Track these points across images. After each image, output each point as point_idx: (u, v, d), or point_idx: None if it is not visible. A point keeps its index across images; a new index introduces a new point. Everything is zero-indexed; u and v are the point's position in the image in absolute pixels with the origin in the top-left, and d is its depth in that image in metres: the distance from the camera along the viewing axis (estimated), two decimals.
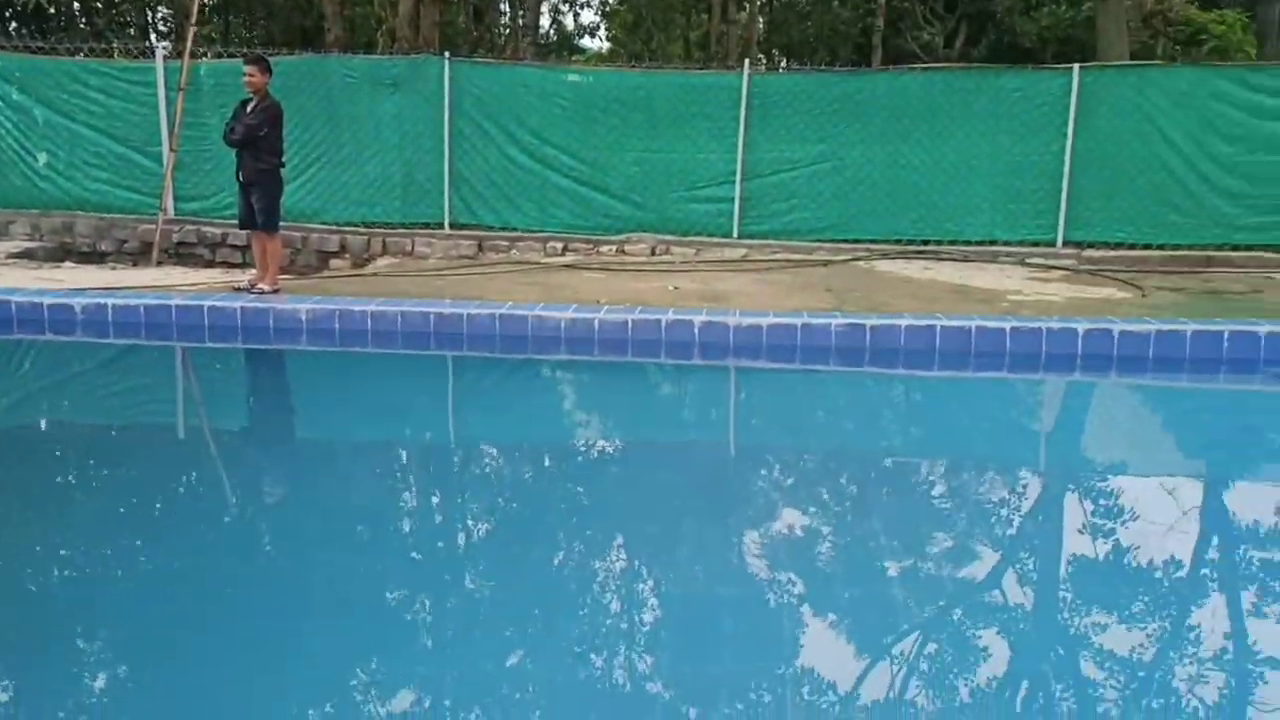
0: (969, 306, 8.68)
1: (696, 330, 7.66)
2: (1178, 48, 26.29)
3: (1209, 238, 10.92)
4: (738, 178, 11.22)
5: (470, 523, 5.00)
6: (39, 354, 7.92)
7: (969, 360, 7.52)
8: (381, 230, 11.55)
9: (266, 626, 3.61)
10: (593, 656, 3.52)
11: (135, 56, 12.25)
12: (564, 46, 31.23)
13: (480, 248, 11.29)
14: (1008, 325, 7.51)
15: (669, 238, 11.26)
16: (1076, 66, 10.90)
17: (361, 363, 7.70)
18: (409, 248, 11.34)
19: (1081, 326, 7.46)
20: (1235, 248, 10.96)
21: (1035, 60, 21.57)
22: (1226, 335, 7.36)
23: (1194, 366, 7.38)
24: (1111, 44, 15.49)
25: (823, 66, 15.90)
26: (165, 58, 11.60)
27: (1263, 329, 7.37)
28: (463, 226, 11.56)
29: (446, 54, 11.56)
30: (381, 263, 11.09)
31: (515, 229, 11.48)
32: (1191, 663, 3.60)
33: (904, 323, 7.60)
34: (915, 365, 7.57)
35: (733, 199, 11.28)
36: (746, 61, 11.36)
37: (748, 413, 7.15)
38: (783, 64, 32.88)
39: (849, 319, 7.68)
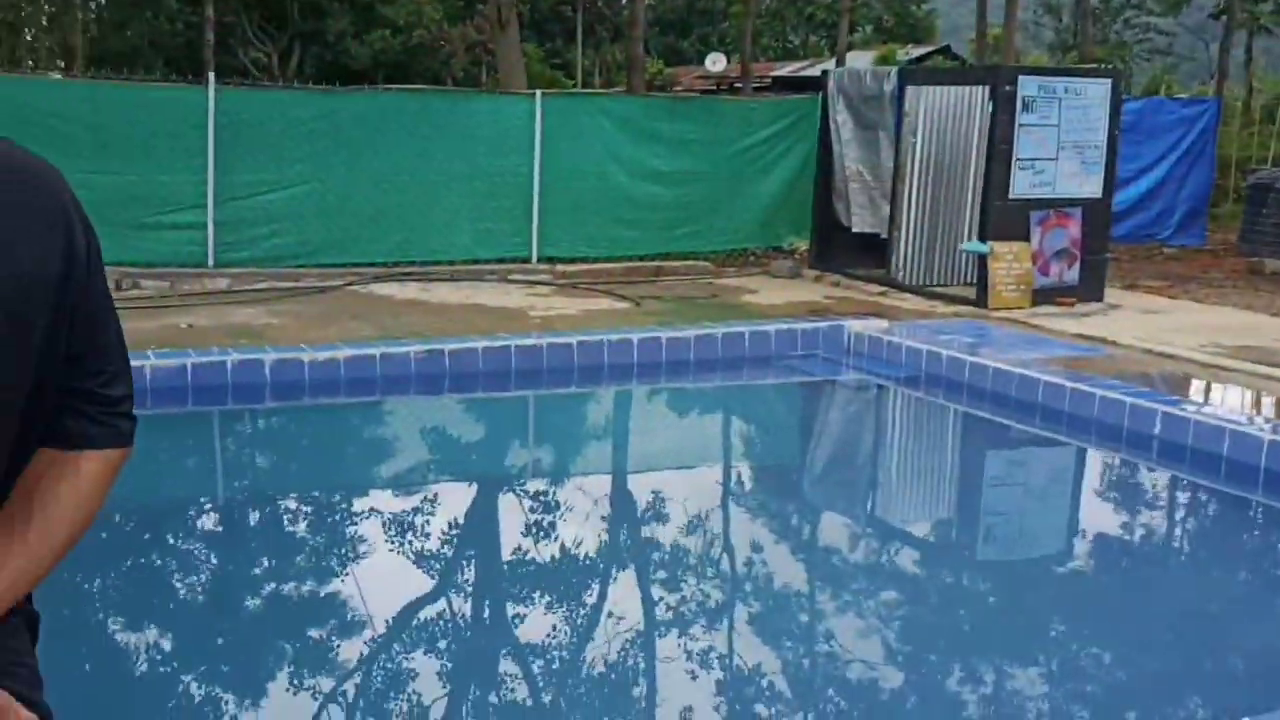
0: (504, 325, 8.86)
1: (267, 370, 6.96)
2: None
3: (655, 248, 12.22)
4: (209, 201, 10.27)
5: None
6: None
7: (543, 377, 7.72)
8: None
9: None
10: None
11: None
12: None
13: None
14: (574, 340, 7.82)
15: (134, 269, 9.97)
16: (539, 93, 11.57)
17: None
18: None
19: (635, 336, 8.01)
20: (670, 256, 12.38)
21: (368, 81, 21.81)
22: (748, 335, 8.36)
23: (726, 365, 8.28)
24: (511, 70, 16.55)
25: (151, 78, 14.50)
26: None
27: (772, 328, 8.50)
28: None
29: None
30: None
31: None
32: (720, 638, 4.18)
33: (480, 345, 7.58)
34: (493, 388, 7.61)
35: (205, 224, 10.30)
36: (211, 76, 10.40)
37: (305, 457, 6.68)
38: (115, 74, 30.14)
39: (426, 345, 7.48)
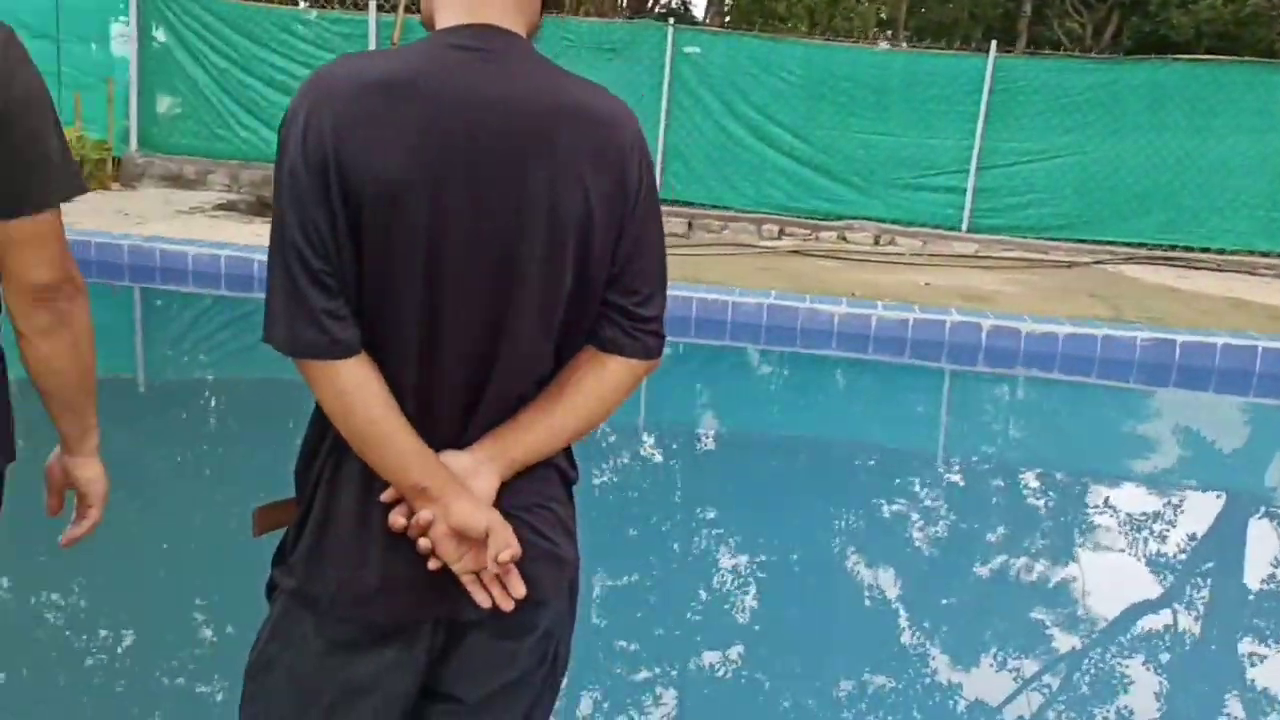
0: (1261, 325, 7.91)
1: (983, 335, 7.05)
2: None
3: None
4: (973, 167, 10.51)
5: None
6: None
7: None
8: None
9: None
10: None
11: (349, 7, 11.89)
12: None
13: (690, 226, 10.77)
14: None
15: (893, 227, 10.61)
16: None
17: None
18: None
19: None
20: None
21: (1188, 54, 20.03)
22: None
23: None
24: None
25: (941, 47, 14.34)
26: (379, 10, 11.22)
27: None
28: (672, 203, 11.03)
29: (671, 21, 11.01)
30: None
31: (729, 208, 10.92)
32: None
33: (1219, 341, 6.89)
34: (1228, 389, 6.87)
35: (964, 189, 10.57)
36: (993, 44, 10.57)
37: (1070, 430, 6.51)
38: (926, 44, 31.61)
39: (1155, 333, 6.99)
